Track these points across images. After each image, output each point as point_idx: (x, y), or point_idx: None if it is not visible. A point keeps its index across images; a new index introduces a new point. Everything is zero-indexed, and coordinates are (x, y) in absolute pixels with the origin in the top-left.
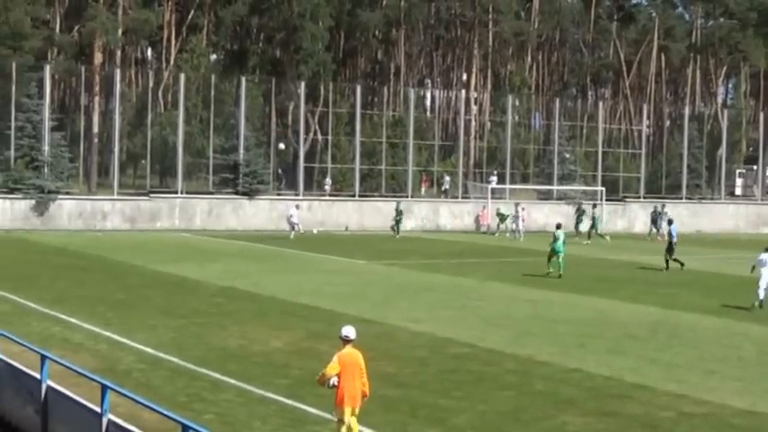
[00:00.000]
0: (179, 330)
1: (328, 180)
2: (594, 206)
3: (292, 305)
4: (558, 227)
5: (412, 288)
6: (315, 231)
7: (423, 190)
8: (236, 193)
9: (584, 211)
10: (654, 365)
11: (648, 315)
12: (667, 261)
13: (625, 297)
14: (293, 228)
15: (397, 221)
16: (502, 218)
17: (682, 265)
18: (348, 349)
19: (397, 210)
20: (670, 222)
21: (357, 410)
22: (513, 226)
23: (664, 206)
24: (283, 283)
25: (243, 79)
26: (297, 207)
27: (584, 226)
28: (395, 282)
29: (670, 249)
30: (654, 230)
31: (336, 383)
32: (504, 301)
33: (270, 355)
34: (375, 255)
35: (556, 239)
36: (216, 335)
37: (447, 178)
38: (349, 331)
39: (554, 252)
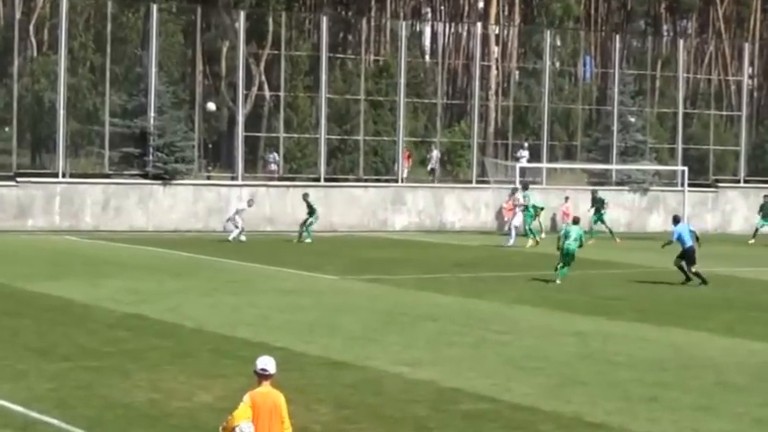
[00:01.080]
0: (60, 379)
1: (275, 156)
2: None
3: (228, 341)
4: (576, 222)
5: (405, 316)
6: (243, 239)
7: (405, 170)
8: (145, 176)
9: None
10: (760, 428)
11: (752, 354)
12: None
13: (718, 328)
14: (238, 228)
15: (308, 223)
16: (533, 210)
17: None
18: (265, 388)
19: (308, 203)
20: None
21: None
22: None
23: None
24: (215, 308)
25: (154, 7)
26: (250, 204)
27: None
28: (380, 306)
29: None
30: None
31: None
32: (539, 334)
33: (195, 414)
34: (350, 267)
35: (567, 236)
36: (116, 385)
37: (434, 152)
38: (267, 363)
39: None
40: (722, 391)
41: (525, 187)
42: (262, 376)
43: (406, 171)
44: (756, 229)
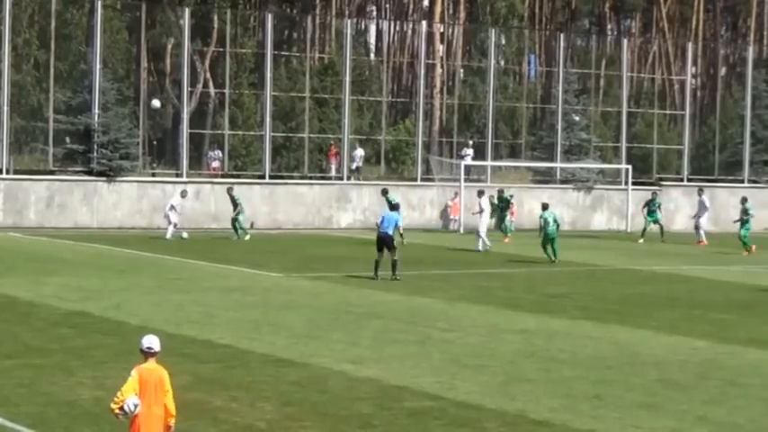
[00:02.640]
0: (3, 376)
1: (217, 153)
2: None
3: (172, 339)
4: (545, 208)
5: (350, 313)
6: (184, 235)
7: (333, 167)
8: (89, 172)
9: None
10: (702, 426)
11: (695, 352)
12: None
13: (661, 326)
14: (172, 224)
15: (235, 219)
16: (500, 205)
17: None
18: (151, 364)
19: (231, 198)
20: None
21: None
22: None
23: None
24: (159, 306)
25: (98, 4)
26: (183, 195)
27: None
28: (325, 304)
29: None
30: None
31: (138, 408)
32: (485, 331)
33: None
34: (295, 264)
35: (546, 224)
36: (59, 383)
37: (358, 150)
38: (152, 342)
39: (547, 239)
40: (665, 388)
41: (480, 194)
42: (147, 354)
43: (333, 169)
44: (645, 228)
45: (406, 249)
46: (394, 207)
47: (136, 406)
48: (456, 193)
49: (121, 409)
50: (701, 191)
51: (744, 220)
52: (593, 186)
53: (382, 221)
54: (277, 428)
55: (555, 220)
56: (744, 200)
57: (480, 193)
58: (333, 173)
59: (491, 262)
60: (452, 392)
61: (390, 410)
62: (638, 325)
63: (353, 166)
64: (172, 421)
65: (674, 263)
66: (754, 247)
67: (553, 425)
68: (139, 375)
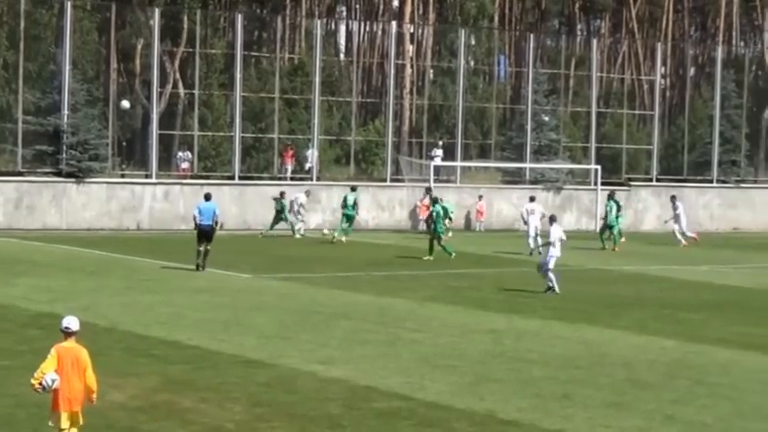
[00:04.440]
0: None
1: (187, 154)
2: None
3: (141, 340)
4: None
5: (319, 314)
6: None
7: (288, 168)
8: (59, 173)
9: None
10: (671, 425)
11: (663, 352)
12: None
13: (630, 326)
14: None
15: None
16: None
17: None
18: (69, 343)
19: (281, 203)
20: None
21: (80, 418)
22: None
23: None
24: (128, 307)
25: (68, 4)
26: (308, 194)
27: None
28: (294, 305)
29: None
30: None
31: (56, 383)
32: (453, 332)
33: (107, 413)
34: (265, 265)
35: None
36: (28, 384)
37: (312, 151)
38: (70, 322)
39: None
40: (634, 388)
41: (428, 191)
42: (66, 333)
43: (288, 170)
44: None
45: (377, 249)
46: (207, 197)
47: (54, 381)
48: (426, 193)
49: (41, 384)
50: (674, 198)
51: (676, 216)
52: (562, 186)
53: (201, 213)
54: (246, 429)
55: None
56: (673, 198)
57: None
58: (288, 174)
59: (460, 262)
60: (421, 393)
61: (359, 411)
62: (606, 325)
63: (306, 167)
64: (93, 396)
65: (643, 263)
66: (618, 243)
67: (522, 424)
68: (57, 353)
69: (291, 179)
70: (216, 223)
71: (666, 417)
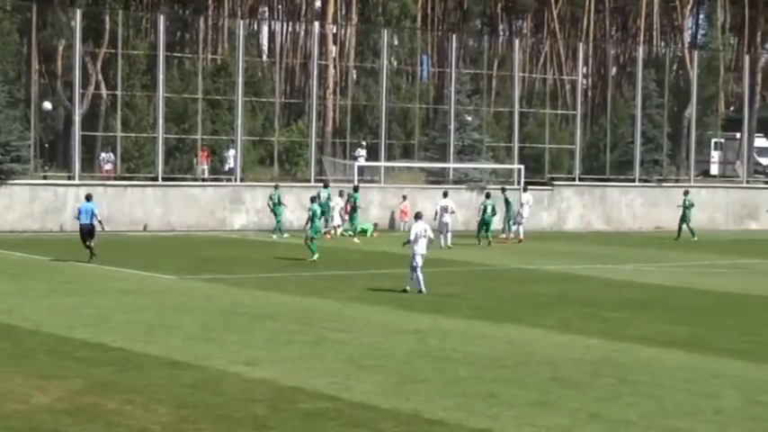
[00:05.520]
0: None
1: (110, 155)
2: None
3: (65, 342)
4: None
5: (244, 315)
6: (356, 240)
7: (204, 169)
8: None
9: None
10: (595, 423)
11: (587, 350)
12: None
13: (554, 325)
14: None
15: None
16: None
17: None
18: None
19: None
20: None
21: None
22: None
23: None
24: (52, 309)
25: None
26: (341, 194)
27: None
28: (218, 306)
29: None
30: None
31: None
32: (379, 332)
33: (32, 416)
34: (189, 266)
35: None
36: None
37: (231, 151)
38: None
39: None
40: (559, 386)
41: (325, 186)
42: None
43: (205, 171)
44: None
45: (299, 250)
46: (88, 198)
47: None
48: (405, 196)
49: None
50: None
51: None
52: (485, 186)
53: (80, 213)
54: (172, 431)
55: (493, 208)
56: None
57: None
58: (205, 175)
59: (385, 262)
60: (347, 393)
61: (285, 412)
62: (531, 324)
63: (226, 168)
64: None
65: (566, 262)
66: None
67: (448, 424)
68: None
69: (215, 180)
70: (99, 222)
71: (591, 415)
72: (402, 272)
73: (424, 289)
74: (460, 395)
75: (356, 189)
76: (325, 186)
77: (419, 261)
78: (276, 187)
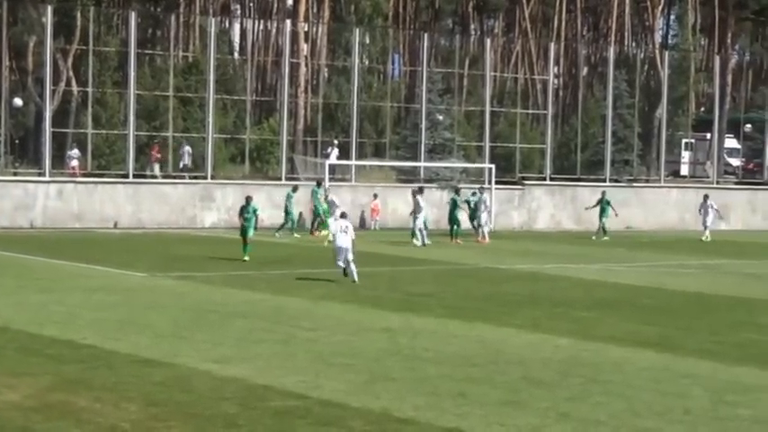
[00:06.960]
0: None
1: (75, 152)
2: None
3: (34, 339)
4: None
5: (214, 313)
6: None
7: (156, 168)
8: None
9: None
10: (565, 422)
11: (557, 350)
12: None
13: (524, 324)
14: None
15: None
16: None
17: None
18: None
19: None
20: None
21: None
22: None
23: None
24: (21, 306)
25: None
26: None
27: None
28: (189, 303)
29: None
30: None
31: None
32: (349, 330)
33: (1, 413)
34: (160, 264)
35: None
36: None
37: (186, 148)
38: None
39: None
40: (529, 386)
41: (419, 191)
42: None
43: (157, 169)
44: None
45: (273, 248)
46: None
47: None
48: (375, 195)
49: None
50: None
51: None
52: (456, 185)
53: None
54: (141, 429)
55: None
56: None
57: (420, 190)
58: (157, 172)
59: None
60: (317, 391)
61: (255, 410)
62: (501, 323)
63: (181, 165)
64: None
65: (537, 262)
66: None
67: (418, 423)
68: None
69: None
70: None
71: (561, 414)
72: (371, 270)
73: (356, 279)
74: (431, 394)
75: (319, 184)
76: (294, 190)
77: (343, 255)
78: (295, 189)
